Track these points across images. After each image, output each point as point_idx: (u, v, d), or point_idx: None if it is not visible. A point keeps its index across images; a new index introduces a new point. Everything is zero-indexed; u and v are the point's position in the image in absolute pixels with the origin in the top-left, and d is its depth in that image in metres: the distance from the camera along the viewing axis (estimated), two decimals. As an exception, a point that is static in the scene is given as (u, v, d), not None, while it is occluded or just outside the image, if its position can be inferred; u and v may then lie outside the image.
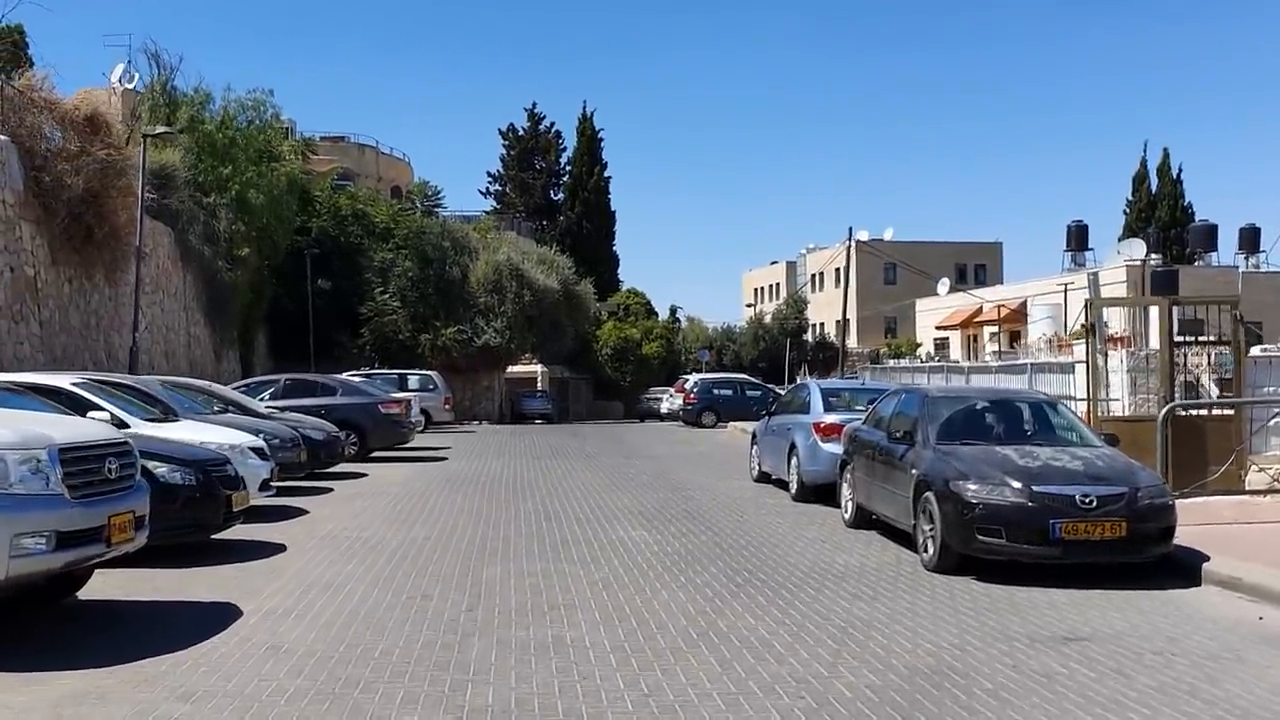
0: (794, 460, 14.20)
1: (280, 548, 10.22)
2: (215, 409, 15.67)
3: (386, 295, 42.41)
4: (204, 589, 8.26)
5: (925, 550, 9.38)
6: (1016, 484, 8.82)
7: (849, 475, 11.85)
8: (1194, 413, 12.72)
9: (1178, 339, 12.90)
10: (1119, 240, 60.13)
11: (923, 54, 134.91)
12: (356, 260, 42.97)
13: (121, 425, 11.66)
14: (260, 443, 12.70)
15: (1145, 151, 64.57)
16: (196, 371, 31.40)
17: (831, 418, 13.86)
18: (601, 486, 16.04)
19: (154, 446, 9.68)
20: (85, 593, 7.88)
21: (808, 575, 9.03)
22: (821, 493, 13.80)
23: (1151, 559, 8.95)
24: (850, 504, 11.78)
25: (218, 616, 7.28)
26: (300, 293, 40.38)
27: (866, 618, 7.45)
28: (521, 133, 70.20)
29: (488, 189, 71.37)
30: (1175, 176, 63.16)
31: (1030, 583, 8.62)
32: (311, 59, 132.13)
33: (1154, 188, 63.16)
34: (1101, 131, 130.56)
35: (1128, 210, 63.98)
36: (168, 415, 13.26)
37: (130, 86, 36.20)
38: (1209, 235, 50.97)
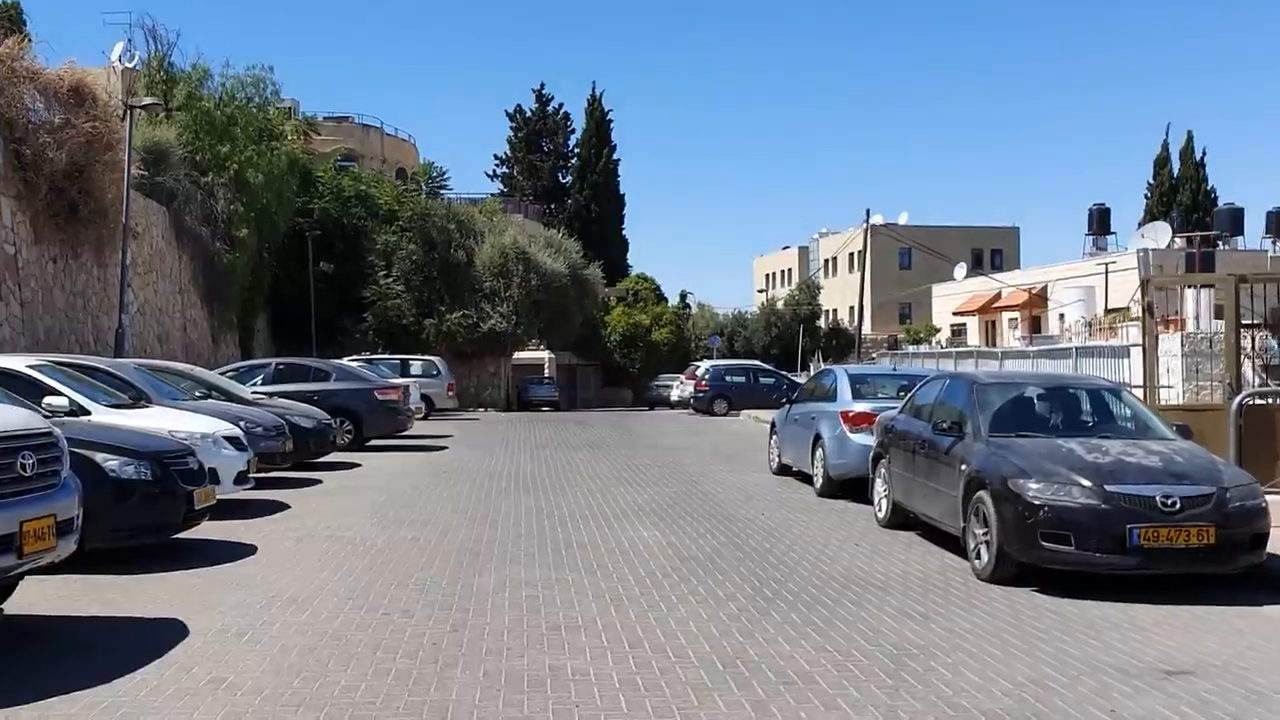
0: (819, 452, 13.07)
1: (250, 550, 9.13)
2: (197, 394, 14.60)
3: (390, 279, 41.28)
4: (152, 601, 7.18)
5: (978, 557, 8.25)
6: (1086, 482, 7.68)
7: (883, 470, 10.72)
8: (1262, 401, 11.52)
9: (1244, 322, 11.70)
10: (1139, 225, 59.07)
11: (937, 36, 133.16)
12: (359, 243, 41.83)
13: (81, 412, 10.64)
14: (236, 431, 11.62)
15: (1167, 134, 63.21)
16: (193, 355, 30.40)
17: (861, 406, 12.72)
18: (610, 479, 14.94)
19: (105, 436, 8.62)
20: (14, 606, 6.82)
21: (845, 586, 7.91)
22: (849, 487, 12.70)
23: (1240, 570, 7.81)
24: (885, 501, 10.65)
25: (160, 638, 6.20)
26: (302, 276, 39.30)
27: (922, 642, 6.33)
28: (529, 114, 68.98)
29: (494, 171, 70.30)
30: (1198, 160, 61.86)
31: (1101, 596, 7.50)
32: (315, 38, 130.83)
33: (1176, 171, 61.84)
34: (1121, 114, 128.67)
35: (1148, 194, 62.71)
36: (139, 401, 12.21)
37: (131, 65, 35.11)
38: (1235, 219, 49.56)
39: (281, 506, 11.73)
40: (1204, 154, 62.17)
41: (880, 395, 13.44)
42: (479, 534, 9.96)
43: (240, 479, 11.25)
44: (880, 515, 10.73)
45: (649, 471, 16.02)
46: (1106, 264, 39.49)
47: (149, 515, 8.44)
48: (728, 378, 35.12)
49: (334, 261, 40.71)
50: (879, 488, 10.82)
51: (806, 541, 9.83)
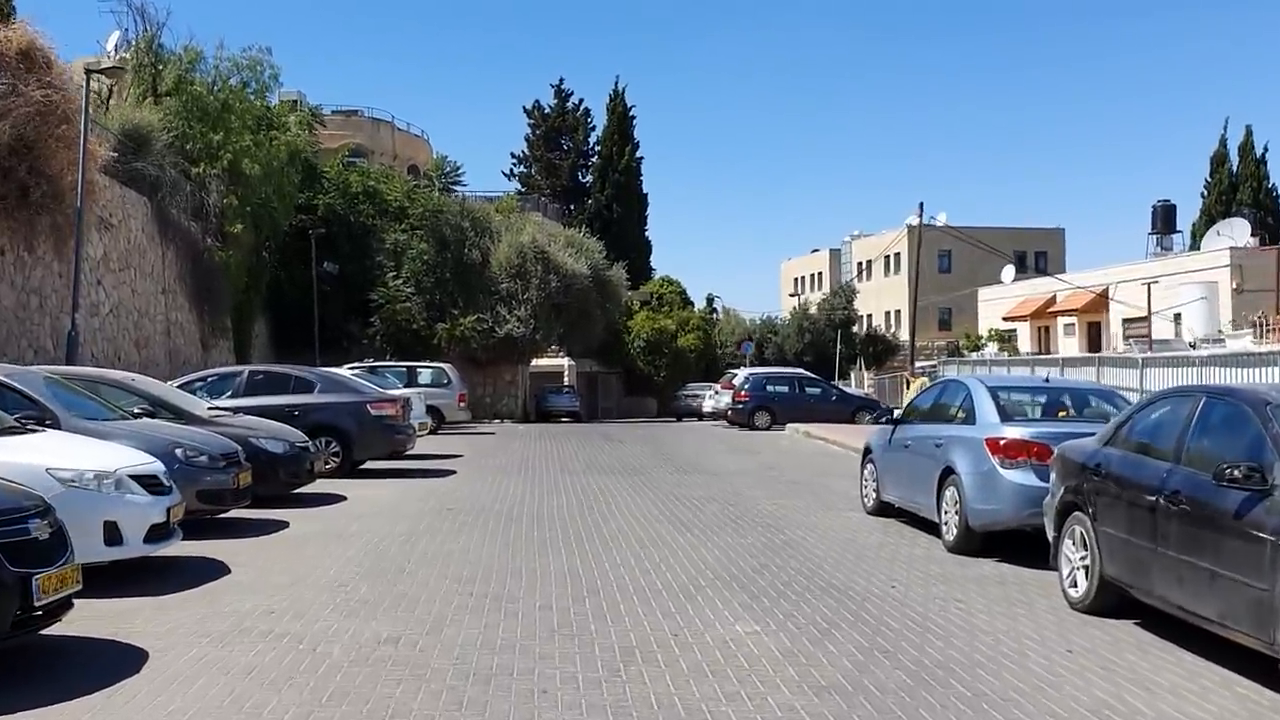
0: (950, 492, 9.70)
1: (135, 661, 5.85)
2: (135, 412, 11.36)
3: (400, 280, 38.15)
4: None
5: (1327, 701, 4.90)
6: None
7: (1079, 529, 7.34)
8: None
9: None
10: (1192, 224, 55.59)
11: (974, 32, 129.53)
12: (367, 242, 38.73)
13: (-80, 442, 7.44)
14: (154, 467, 8.36)
15: (1225, 130, 59.46)
16: (178, 362, 27.33)
17: (1016, 432, 9.34)
18: (659, 521, 11.60)
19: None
20: None
21: (1119, 759, 4.58)
22: (992, 541, 9.38)
23: None
24: (1082, 575, 7.28)
25: None
26: (305, 277, 36.28)
27: None
28: (548, 111, 65.91)
29: (511, 170, 67.29)
30: (1259, 156, 58.13)
31: None
32: (325, 29, 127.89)
33: (1235, 169, 58.11)
34: (1172, 112, 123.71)
35: (1205, 193, 59.05)
36: (30, 424, 8.94)
37: (127, 55, 32.21)
38: (1310, 216, 45.88)
39: (217, 570, 8.44)
40: (1265, 150, 58.43)
41: (1028, 416, 10.10)
42: (490, 631, 6.62)
43: (156, 534, 8.00)
44: (1076, 594, 7.35)
45: (707, 508, 12.68)
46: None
47: (-49, 620, 5.20)
48: (770, 387, 31.68)
49: (340, 261, 37.76)
50: (1071, 553, 7.44)
51: (987, 642, 6.47)
